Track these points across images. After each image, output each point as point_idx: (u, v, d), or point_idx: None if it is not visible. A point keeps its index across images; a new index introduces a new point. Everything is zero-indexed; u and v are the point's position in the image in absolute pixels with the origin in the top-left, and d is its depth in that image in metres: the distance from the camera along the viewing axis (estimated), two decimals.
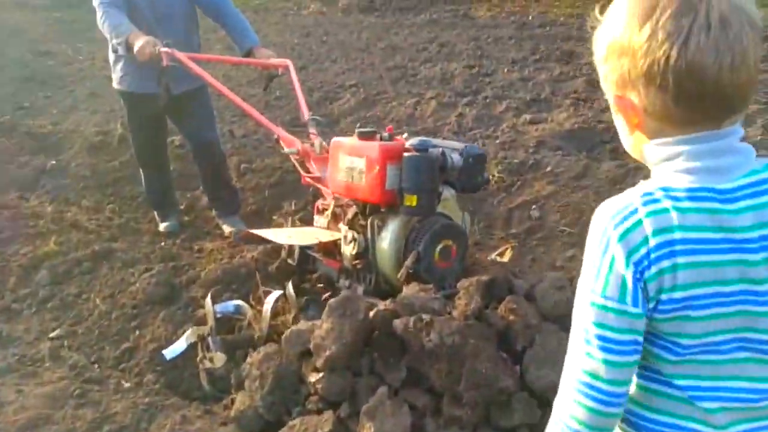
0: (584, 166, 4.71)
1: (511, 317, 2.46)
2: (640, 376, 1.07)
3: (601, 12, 1.07)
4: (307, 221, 4.14)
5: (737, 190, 0.97)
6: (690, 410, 1.02)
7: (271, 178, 5.08)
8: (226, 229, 4.47)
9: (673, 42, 0.92)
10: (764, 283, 0.98)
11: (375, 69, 7.10)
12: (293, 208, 4.75)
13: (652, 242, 0.95)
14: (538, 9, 9.20)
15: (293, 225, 4.01)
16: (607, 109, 5.74)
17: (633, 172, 4.59)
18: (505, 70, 6.78)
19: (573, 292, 1.08)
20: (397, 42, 8.14)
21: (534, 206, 4.47)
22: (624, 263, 0.96)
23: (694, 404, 1.02)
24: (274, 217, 4.76)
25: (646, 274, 0.96)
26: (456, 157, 2.79)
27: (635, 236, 0.96)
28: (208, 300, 2.91)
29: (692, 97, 0.94)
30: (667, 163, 1.00)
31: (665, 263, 0.95)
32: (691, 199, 0.96)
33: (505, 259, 3.89)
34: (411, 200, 2.68)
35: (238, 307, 3.07)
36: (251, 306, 3.05)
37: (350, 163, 2.89)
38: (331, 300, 2.48)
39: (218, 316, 2.93)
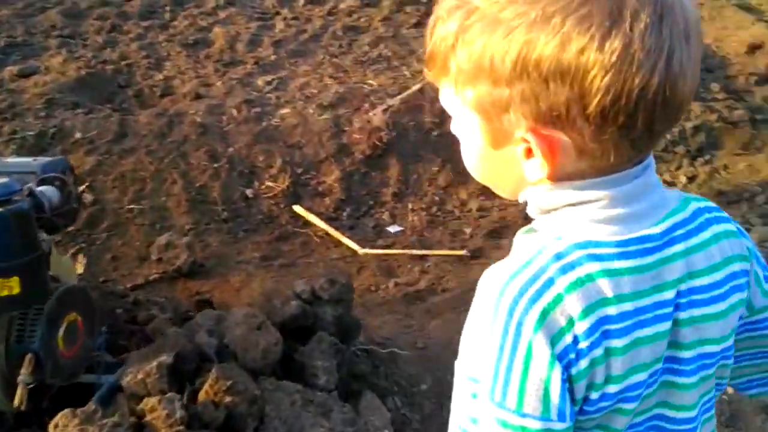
0: (119, 123, 3.75)
1: (228, 399, 1.67)
2: None
3: None
4: None
5: (668, 233, 0.70)
6: None
7: None
8: None
9: (655, 62, 0.60)
10: (689, 349, 0.72)
11: None
12: None
13: (580, 326, 0.64)
14: None
15: None
16: (103, 46, 4.70)
17: (176, 119, 3.86)
18: None
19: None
20: None
21: (82, 188, 3.38)
22: (546, 363, 0.64)
23: None
24: None
25: (574, 370, 0.65)
26: (49, 191, 1.69)
27: (557, 318, 0.64)
28: None
29: (655, 132, 0.65)
30: (576, 210, 0.68)
31: (597, 351, 0.65)
32: (622, 256, 0.67)
33: (80, 269, 2.90)
34: (9, 287, 1.52)
35: None
36: None
37: None
38: None
39: None
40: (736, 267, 0.74)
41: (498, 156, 0.70)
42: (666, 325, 0.69)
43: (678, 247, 0.70)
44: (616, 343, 0.66)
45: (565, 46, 0.60)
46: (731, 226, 0.76)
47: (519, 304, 0.65)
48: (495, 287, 0.67)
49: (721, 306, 0.72)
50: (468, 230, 3.44)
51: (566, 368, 0.65)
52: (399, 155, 3.94)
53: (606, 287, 0.66)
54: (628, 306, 0.67)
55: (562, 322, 0.65)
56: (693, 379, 0.73)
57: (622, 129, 0.63)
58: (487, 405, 0.67)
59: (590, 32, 0.59)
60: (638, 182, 0.68)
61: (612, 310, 0.66)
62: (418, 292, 2.81)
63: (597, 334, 0.65)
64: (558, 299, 0.65)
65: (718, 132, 4.12)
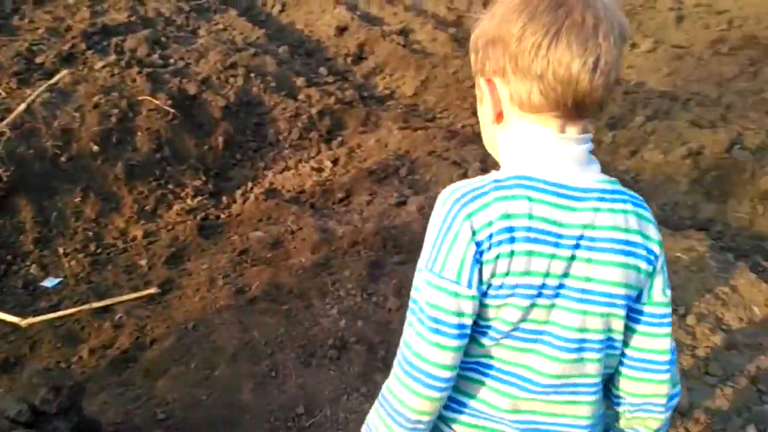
0: None
1: None
2: None
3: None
4: None
5: (587, 192, 0.96)
6: (483, 393, 1.02)
7: None
8: None
9: (546, 32, 0.91)
10: (577, 279, 0.97)
11: None
12: None
13: (496, 225, 0.93)
14: None
15: None
16: None
17: None
18: None
19: None
20: None
21: None
22: (465, 243, 0.93)
23: (488, 387, 1.01)
24: None
25: (485, 257, 0.93)
26: None
27: (481, 217, 0.93)
28: None
29: (554, 91, 0.93)
30: (523, 153, 0.98)
31: (504, 248, 0.93)
32: (544, 191, 0.94)
33: None
34: None
35: None
36: None
37: None
38: None
39: None
40: (636, 239, 0.98)
41: (481, 114, 1.04)
42: (565, 253, 0.94)
43: (590, 204, 0.95)
44: (519, 247, 0.92)
45: (500, 24, 0.95)
46: (647, 215, 1.00)
47: (457, 203, 0.94)
48: (444, 195, 0.97)
49: (614, 257, 0.96)
50: (143, 262, 3.05)
51: (480, 254, 0.92)
52: (27, 192, 3.25)
53: (523, 206, 0.93)
54: (536, 224, 0.93)
55: (484, 220, 0.92)
56: (577, 306, 0.96)
57: (526, 78, 0.93)
58: (423, 271, 0.95)
59: (516, 12, 0.93)
60: (574, 148, 0.96)
61: (522, 222, 0.92)
62: (125, 353, 2.39)
63: (507, 235, 0.92)
64: (486, 205, 0.93)
65: (339, 113, 4.43)
